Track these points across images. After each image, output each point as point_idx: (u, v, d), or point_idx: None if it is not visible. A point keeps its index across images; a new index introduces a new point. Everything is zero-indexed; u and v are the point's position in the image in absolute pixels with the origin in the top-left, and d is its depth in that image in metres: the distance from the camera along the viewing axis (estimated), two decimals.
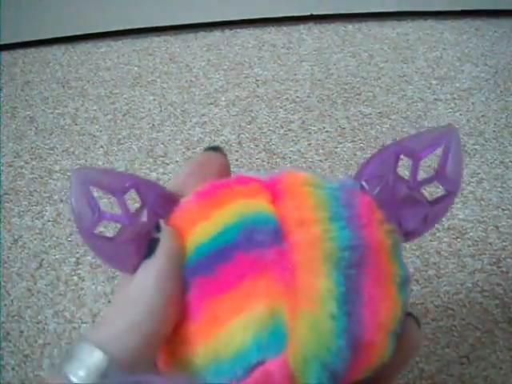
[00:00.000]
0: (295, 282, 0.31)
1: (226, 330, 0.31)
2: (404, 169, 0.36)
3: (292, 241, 0.32)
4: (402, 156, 0.35)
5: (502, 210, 0.78)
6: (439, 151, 0.36)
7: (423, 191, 0.37)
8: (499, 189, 0.81)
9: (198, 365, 0.32)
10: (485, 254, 0.72)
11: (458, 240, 0.74)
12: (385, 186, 0.35)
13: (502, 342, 0.63)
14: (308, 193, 0.34)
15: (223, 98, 0.99)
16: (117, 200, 0.34)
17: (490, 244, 0.73)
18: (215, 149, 0.39)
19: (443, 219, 0.76)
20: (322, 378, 0.31)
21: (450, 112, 0.94)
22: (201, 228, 0.33)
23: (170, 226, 0.34)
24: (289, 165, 0.85)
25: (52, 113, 0.99)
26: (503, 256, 0.72)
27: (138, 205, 0.35)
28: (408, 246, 0.73)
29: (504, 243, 0.73)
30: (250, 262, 0.32)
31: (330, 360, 0.31)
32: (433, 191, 0.40)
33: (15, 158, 0.90)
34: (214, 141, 0.90)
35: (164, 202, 0.35)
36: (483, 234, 0.75)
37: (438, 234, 0.74)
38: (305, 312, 0.31)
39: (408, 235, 0.37)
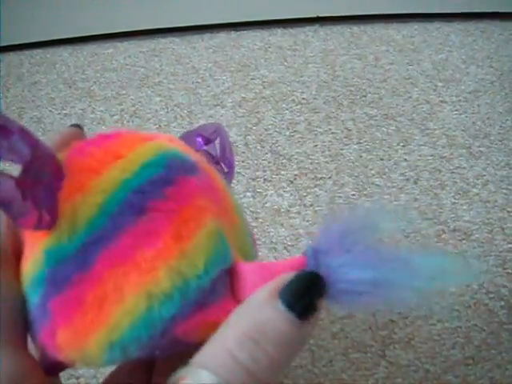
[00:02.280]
0: (222, 201, 0.36)
1: (192, 247, 0.32)
2: None
3: (206, 171, 0.37)
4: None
5: (508, 211, 0.78)
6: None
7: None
8: (505, 190, 0.81)
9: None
10: (490, 256, 0.72)
11: (464, 241, 0.74)
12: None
13: (507, 343, 0.63)
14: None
15: (229, 100, 1.00)
16: None
17: (496, 245, 0.73)
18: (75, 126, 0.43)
19: (449, 221, 0.76)
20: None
21: (456, 114, 0.95)
22: (122, 165, 0.34)
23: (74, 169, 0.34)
24: (295, 166, 0.85)
25: (59, 113, 1.00)
26: (509, 257, 0.72)
27: None
28: (413, 247, 0.73)
29: (510, 245, 0.74)
30: (192, 186, 0.34)
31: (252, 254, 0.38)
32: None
33: None
34: None
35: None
36: (489, 235, 0.75)
37: (443, 236, 0.75)
38: (234, 226, 0.36)
39: None
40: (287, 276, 0.32)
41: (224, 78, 1.06)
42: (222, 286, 0.33)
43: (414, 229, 0.76)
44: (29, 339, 0.34)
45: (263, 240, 0.75)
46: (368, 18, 1.21)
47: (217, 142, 0.46)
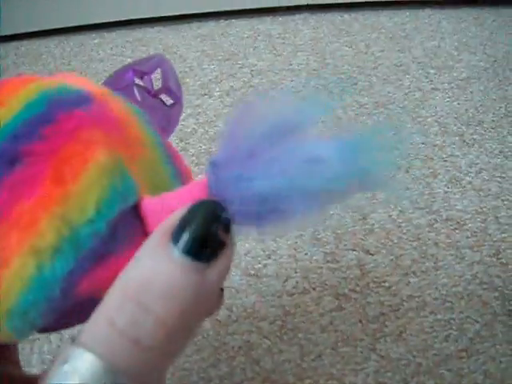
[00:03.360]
0: (122, 133, 0.31)
1: (79, 187, 0.28)
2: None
3: (102, 103, 0.32)
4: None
5: (502, 200, 0.76)
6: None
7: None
8: (498, 179, 0.79)
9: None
10: (484, 246, 0.70)
11: (457, 231, 0.72)
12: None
13: (502, 335, 0.61)
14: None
15: (217, 89, 0.98)
16: None
17: (490, 235, 0.72)
18: None
19: (441, 210, 0.75)
20: None
21: (448, 101, 0.93)
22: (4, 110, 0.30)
23: None
24: None
25: None
26: (503, 247, 0.70)
27: None
28: (405, 237, 0.71)
29: (503, 234, 0.72)
30: (76, 119, 0.30)
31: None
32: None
33: None
34: (208, 132, 0.88)
35: None
36: (482, 224, 0.73)
37: (435, 225, 0.73)
38: (141, 158, 0.31)
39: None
40: (180, 211, 0.27)
41: (212, 67, 1.04)
42: (126, 230, 0.29)
43: (406, 218, 0.74)
44: None
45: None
46: (359, 6, 1.20)
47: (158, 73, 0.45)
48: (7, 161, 0.28)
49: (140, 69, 0.44)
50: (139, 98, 0.44)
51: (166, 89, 0.45)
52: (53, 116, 0.29)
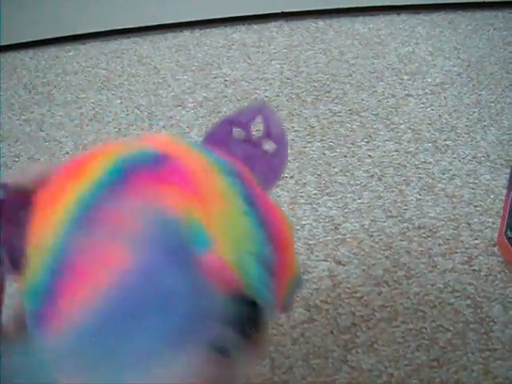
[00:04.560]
0: (197, 187, 0.35)
1: None
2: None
3: (175, 161, 0.36)
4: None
5: (475, 206, 0.76)
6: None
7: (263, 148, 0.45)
8: (471, 185, 0.79)
9: None
10: (456, 253, 0.70)
11: (429, 239, 0.72)
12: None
13: (474, 343, 0.61)
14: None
15: (191, 100, 0.97)
16: None
17: (462, 242, 0.72)
18: None
19: (413, 218, 0.75)
20: (258, 267, 0.33)
21: (422, 107, 0.93)
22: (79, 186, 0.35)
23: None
24: None
25: (18, 119, 0.97)
26: (475, 254, 0.70)
27: None
28: (377, 246, 0.71)
29: (476, 241, 0.72)
30: (153, 177, 0.35)
31: (257, 250, 0.34)
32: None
33: None
34: None
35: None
36: (455, 231, 0.73)
37: (408, 234, 0.73)
38: (217, 210, 0.34)
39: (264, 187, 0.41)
40: None
41: (185, 77, 1.03)
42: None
43: (378, 227, 0.74)
44: None
45: None
46: (334, 12, 1.20)
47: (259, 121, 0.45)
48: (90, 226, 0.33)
49: (237, 119, 0.45)
50: (235, 149, 0.44)
51: (267, 136, 0.45)
52: (125, 178, 0.34)
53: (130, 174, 0.35)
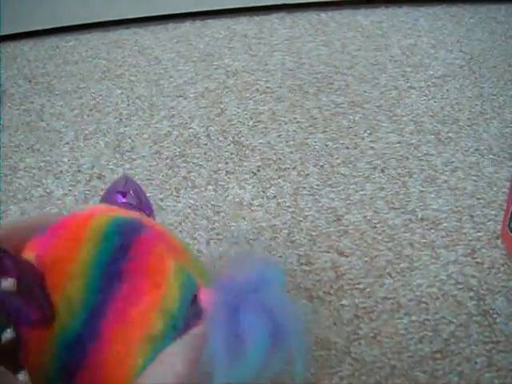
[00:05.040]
0: (172, 243, 0.41)
1: (169, 288, 0.38)
2: None
3: (150, 224, 0.42)
4: None
5: (477, 198, 0.76)
6: None
7: None
8: (474, 177, 0.79)
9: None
10: (459, 245, 0.70)
11: (432, 231, 0.72)
12: None
13: (477, 335, 0.61)
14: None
15: (192, 90, 0.97)
16: None
17: (465, 234, 0.71)
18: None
19: (416, 210, 0.74)
20: None
21: (424, 100, 0.92)
22: (86, 246, 0.39)
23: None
24: (258, 157, 0.83)
25: (18, 109, 0.97)
26: (478, 246, 0.70)
27: None
28: (380, 237, 0.71)
29: (479, 233, 0.71)
30: (146, 241, 0.40)
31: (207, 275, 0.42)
32: None
33: None
34: (182, 134, 0.88)
35: None
36: (457, 224, 0.73)
37: (410, 225, 0.72)
38: (188, 259, 0.41)
39: None
40: None
41: (187, 68, 1.03)
42: (194, 310, 0.38)
43: (381, 219, 0.73)
44: None
45: (225, 235, 0.72)
46: (336, 4, 1.19)
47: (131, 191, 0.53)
48: (114, 280, 0.38)
49: (121, 190, 0.52)
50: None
51: (142, 204, 0.52)
52: (130, 242, 0.39)
53: (131, 238, 0.40)
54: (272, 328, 0.36)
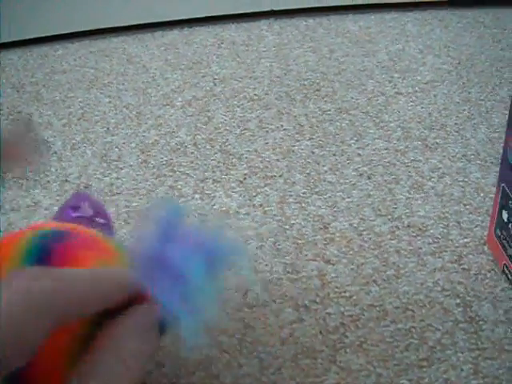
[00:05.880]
0: (101, 246, 0.47)
1: None
2: None
3: (78, 231, 0.47)
4: None
5: (464, 204, 0.76)
6: None
7: None
8: (461, 183, 0.79)
9: None
10: (446, 252, 0.70)
11: (418, 238, 0.72)
12: None
13: (463, 342, 0.61)
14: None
15: (179, 99, 0.97)
16: None
17: (452, 241, 0.71)
18: None
19: (403, 216, 0.74)
20: None
21: (412, 105, 0.92)
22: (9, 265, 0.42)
23: None
24: (245, 165, 0.83)
25: (6, 119, 0.96)
26: (465, 253, 0.70)
27: None
28: (366, 245, 0.71)
29: (465, 239, 0.71)
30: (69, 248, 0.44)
31: None
32: None
33: None
34: (169, 143, 0.87)
35: None
36: (444, 230, 0.73)
37: (397, 232, 0.72)
38: (115, 258, 0.48)
39: None
40: None
41: (175, 76, 1.03)
42: None
43: (367, 226, 0.73)
44: None
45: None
46: (324, 10, 1.19)
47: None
48: None
49: (73, 205, 0.57)
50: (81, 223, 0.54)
51: (98, 213, 0.57)
52: (50, 251, 0.43)
53: (51, 248, 0.43)
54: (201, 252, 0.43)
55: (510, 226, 0.64)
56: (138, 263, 0.43)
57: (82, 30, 1.18)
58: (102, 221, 0.57)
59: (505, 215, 0.65)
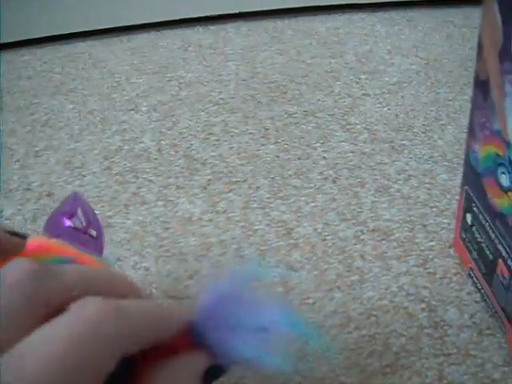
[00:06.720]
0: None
1: None
2: None
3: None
4: None
5: (430, 207, 0.75)
6: None
7: None
8: (427, 185, 0.78)
9: None
10: (411, 256, 0.69)
11: (383, 242, 0.71)
12: None
13: (428, 348, 0.60)
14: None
15: (145, 104, 0.96)
16: None
17: (417, 244, 0.70)
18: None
19: (368, 220, 0.73)
20: None
21: (379, 107, 0.92)
22: None
23: None
24: (209, 170, 0.82)
25: None
26: (430, 256, 0.69)
27: None
28: (330, 250, 0.70)
29: (431, 243, 0.70)
30: None
31: None
32: None
33: None
34: (133, 149, 0.86)
35: None
36: (410, 233, 0.72)
37: (362, 237, 0.71)
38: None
39: None
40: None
41: (140, 80, 1.02)
42: None
43: (331, 231, 0.72)
44: None
45: (173, 252, 0.71)
46: (293, 12, 1.18)
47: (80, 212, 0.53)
48: None
49: (68, 211, 0.53)
50: (73, 238, 0.52)
51: (90, 225, 0.53)
52: None
53: None
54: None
55: (473, 228, 0.63)
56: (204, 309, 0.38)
57: (49, 34, 1.16)
58: (94, 233, 0.56)
59: (469, 218, 0.64)
